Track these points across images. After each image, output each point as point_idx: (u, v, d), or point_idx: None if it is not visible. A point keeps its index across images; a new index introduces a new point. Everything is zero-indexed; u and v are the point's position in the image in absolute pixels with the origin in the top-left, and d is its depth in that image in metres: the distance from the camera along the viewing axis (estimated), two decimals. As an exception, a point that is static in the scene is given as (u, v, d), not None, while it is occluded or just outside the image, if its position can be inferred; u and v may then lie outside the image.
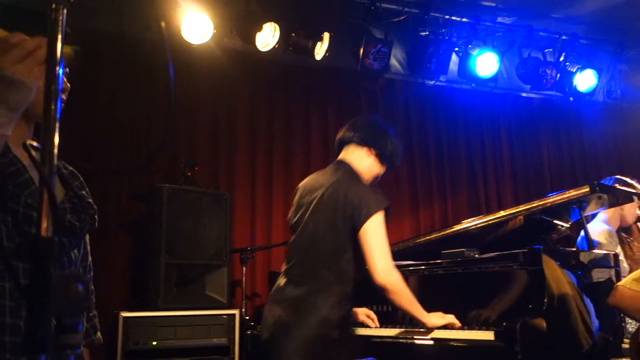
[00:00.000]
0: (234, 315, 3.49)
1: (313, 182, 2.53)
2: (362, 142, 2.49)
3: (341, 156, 2.54)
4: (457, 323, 2.48)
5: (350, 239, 2.34)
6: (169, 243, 3.42)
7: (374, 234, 2.30)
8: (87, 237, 1.66)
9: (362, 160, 2.50)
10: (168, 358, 3.30)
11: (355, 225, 2.31)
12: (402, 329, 2.67)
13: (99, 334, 1.71)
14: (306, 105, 4.63)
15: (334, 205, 2.36)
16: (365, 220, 2.28)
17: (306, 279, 2.34)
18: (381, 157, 2.50)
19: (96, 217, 1.56)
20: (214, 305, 3.53)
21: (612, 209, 3.56)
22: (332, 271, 2.32)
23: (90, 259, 1.70)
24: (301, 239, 2.44)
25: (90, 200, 1.57)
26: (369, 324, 2.75)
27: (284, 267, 2.50)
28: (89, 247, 1.68)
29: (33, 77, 1.20)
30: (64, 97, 1.49)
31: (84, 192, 1.57)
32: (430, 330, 2.52)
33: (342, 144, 2.56)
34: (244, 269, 3.76)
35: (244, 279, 3.76)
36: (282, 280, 2.43)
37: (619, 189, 3.19)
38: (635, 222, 3.70)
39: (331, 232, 2.35)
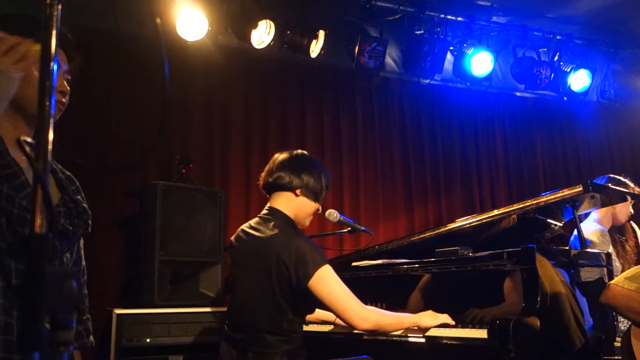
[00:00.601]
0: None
1: (245, 235, 2.47)
2: (287, 187, 2.43)
3: (271, 203, 2.49)
4: (451, 322, 2.48)
5: (290, 299, 2.29)
6: (163, 240, 3.41)
7: (331, 288, 2.25)
8: (82, 241, 1.66)
9: (292, 204, 2.44)
10: (162, 355, 3.30)
11: (295, 289, 2.25)
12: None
13: (91, 337, 1.71)
14: (301, 103, 4.63)
15: (268, 266, 2.28)
16: (305, 279, 2.22)
17: (252, 346, 2.30)
18: (308, 194, 2.45)
19: (90, 222, 1.57)
20: (207, 302, 3.53)
21: (604, 209, 3.57)
22: (275, 335, 2.28)
23: (83, 263, 1.70)
24: (239, 305, 2.40)
25: (85, 205, 1.57)
26: None
27: (226, 331, 2.44)
28: (82, 252, 1.68)
29: (17, 69, 1.27)
30: (64, 100, 1.49)
31: (79, 197, 1.58)
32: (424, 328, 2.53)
33: (269, 190, 2.51)
34: (238, 266, 3.75)
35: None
36: (226, 346, 2.39)
37: (611, 188, 3.21)
38: (628, 221, 3.72)
39: (268, 296, 2.29)
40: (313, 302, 2.34)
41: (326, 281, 2.26)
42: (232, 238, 2.57)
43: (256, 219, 2.51)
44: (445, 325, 2.48)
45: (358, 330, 2.33)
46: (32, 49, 1.28)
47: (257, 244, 2.38)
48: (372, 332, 2.40)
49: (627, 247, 3.60)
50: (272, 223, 2.40)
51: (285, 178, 2.44)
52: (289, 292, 2.28)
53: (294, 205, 2.46)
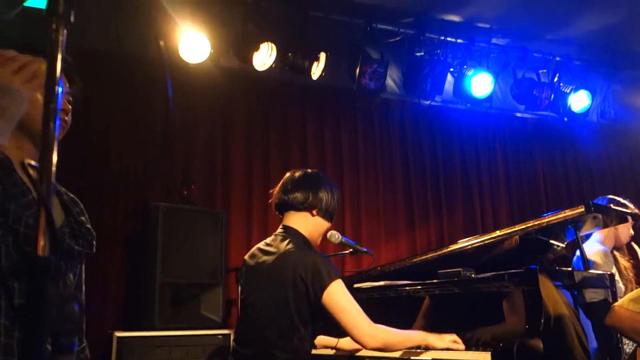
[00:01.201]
0: (229, 335, 3.46)
1: (260, 253, 2.47)
2: (301, 207, 2.43)
3: (285, 222, 2.49)
4: (460, 346, 2.43)
5: (303, 316, 2.28)
6: (164, 262, 3.40)
7: (342, 304, 2.25)
8: (83, 266, 1.65)
9: (307, 223, 2.45)
10: (162, 378, 3.27)
11: (312, 303, 2.25)
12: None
13: (87, 351, 1.69)
14: (303, 125, 4.65)
15: (284, 280, 2.28)
16: (321, 295, 2.22)
17: None
18: (324, 214, 2.47)
19: (94, 243, 1.57)
20: (209, 324, 3.51)
21: (606, 229, 3.56)
22: (284, 351, 2.25)
23: (83, 288, 1.69)
24: (251, 320, 2.38)
25: (89, 226, 1.57)
26: (360, 347, 2.73)
27: (234, 348, 2.43)
28: (83, 276, 1.67)
29: (26, 89, 1.27)
30: (66, 118, 1.50)
31: (83, 219, 1.58)
32: (427, 351, 2.50)
33: (281, 208, 2.50)
34: (240, 288, 3.73)
35: (239, 298, 3.73)
36: None
37: (613, 209, 3.20)
38: (629, 242, 3.70)
39: (281, 310, 2.28)
40: (325, 317, 2.32)
41: (338, 295, 2.26)
42: (246, 256, 2.55)
43: (271, 237, 2.50)
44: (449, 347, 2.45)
45: (366, 348, 2.31)
46: (43, 68, 1.29)
47: (273, 260, 2.37)
48: (380, 350, 2.37)
49: (624, 266, 3.58)
50: (288, 240, 2.40)
51: (303, 197, 2.43)
52: (305, 306, 2.27)
53: (310, 225, 2.46)
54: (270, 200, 2.59)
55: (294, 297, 2.27)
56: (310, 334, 2.34)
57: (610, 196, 3.70)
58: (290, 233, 2.43)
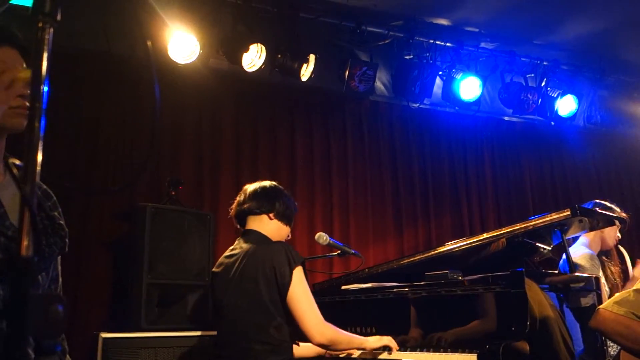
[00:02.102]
0: (215, 336, 3.44)
1: (226, 259, 2.56)
2: (259, 211, 2.56)
3: (247, 227, 2.61)
4: (394, 345, 2.60)
5: (276, 304, 2.35)
6: (151, 263, 3.38)
7: (299, 293, 2.33)
8: (59, 258, 1.61)
9: (267, 226, 2.57)
10: (148, 380, 3.24)
11: (280, 287, 2.33)
12: (385, 352, 2.65)
13: (68, 356, 1.67)
14: (291, 126, 4.64)
15: (253, 273, 2.37)
16: (290, 279, 2.32)
17: (240, 358, 2.32)
18: (281, 217, 2.58)
19: (67, 240, 1.52)
20: (196, 326, 3.49)
21: (593, 233, 3.59)
22: (263, 343, 2.31)
23: (60, 280, 1.65)
24: (226, 320, 2.44)
25: (62, 222, 1.52)
26: (353, 351, 2.74)
27: (215, 356, 2.48)
28: (59, 268, 1.61)
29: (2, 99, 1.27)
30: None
31: (56, 213, 1.52)
32: (413, 352, 2.53)
33: (242, 217, 2.62)
34: (227, 289, 3.72)
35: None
36: None
37: (599, 212, 3.23)
38: (616, 246, 3.74)
39: (255, 302, 2.35)
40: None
41: (298, 283, 2.33)
42: (214, 268, 2.64)
43: (234, 244, 2.61)
44: (389, 349, 2.60)
45: (313, 341, 2.37)
46: (20, 76, 1.28)
47: (239, 259, 2.44)
48: (324, 347, 2.46)
49: (612, 272, 3.61)
50: (251, 240, 2.51)
51: (257, 204, 2.57)
52: (276, 292, 2.33)
53: (269, 228, 2.57)
54: (229, 216, 2.72)
55: (265, 285, 2.33)
56: (285, 321, 2.38)
57: (597, 200, 3.74)
58: (253, 234, 2.55)
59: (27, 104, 1.40)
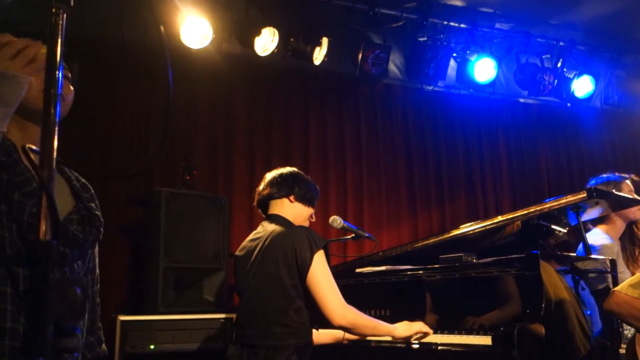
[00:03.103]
0: (231, 319, 3.48)
1: (250, 242, 2.59)
2: (281, 195, 2.59)
3: (270, 212, 2.64)
4: (428, 330, 2.54)
5: (296, 287, 2.36)
6: (167, 247, 3.42)
7: (320, 276, 2.34)
8: (97, 250, 1.65)
9: (289, 209, 2.60)
10: (165, 362, 3.30)
11: (301, 270, 2.34)
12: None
13: (103, 345, 1.71)
14: (305, 110, 4.64)
15: (275, 256, 2.39)
16: (310, 262, 2.32)
17: (260, 340, 2.33)
18: (302, 199, 2.60)
19: (102, 229, 1.57)
20: (211, 309, 3.53)
21: (609, 219, 3.48)
22: (283, 325, 2.32)
23: (97, 271, 1.70)
24: (247, 301, 2.46)
25: (97, 212, 1.58)
26: None
27: (234, 332, 2.51)
28: (97, 260, 1.68)
29: (25, 73, 1.26)
30: (65, 102, 1.49)
31: (92, 205, 1.58)
32: (426, 334, 2.54)
33: (264, 203, 2.65)
34: (242, 273, 3.75)
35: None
36: (235, 347, 2.43)
37: (615, 194, 3.19)
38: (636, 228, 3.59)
39: (275, 285, 2.36)
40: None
41: (318, 265, 2.34)
42: (237, 251, 2.66)
43: (258, 228, 2.64)
44: (424, 335, 2.55)
45: (334, 324, 2.37)
46: (42, 52, 1.28)
47: (262, 242, 2.47)
48: (346, 330, 2.46)
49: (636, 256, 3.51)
50: (274, 223, 2.54)
51: (278, 187, 2.61)
52: (296, 275, 2.35)
53: (291, 210, 2.60)
54: (253, 204, 2.75)
55: (285, 268, 2.35)
56: (305, 305, 2.40)
57: (607, 175, 3.62)
58: (275, 218, 2.58)
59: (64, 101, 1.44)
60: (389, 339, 2.63)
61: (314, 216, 2.69)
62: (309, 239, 2.36)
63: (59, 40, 0.91)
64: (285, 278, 2.35)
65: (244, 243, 2.64)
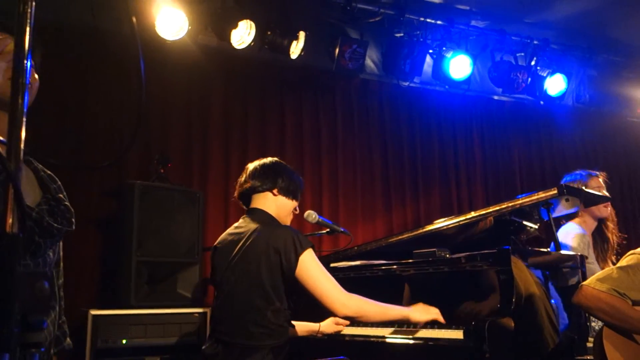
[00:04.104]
0: (205, 313, 3.47)
1: (230, 236, 2.51)
2: (263, 188, 2.52)
3: (252, 205, 2.56)
4: (441, 319, 2.49)
5: (277, 289, 2.31)
6: (140, 240, 3.38)
7: (314, 272, 2.29)
8: (62, 244, 1.64)
9: (272, 203, 2.53)
10: (138, 356, 3.26)
11: (286, 272, 2.29)
12: (374, 328, 2.69)
13: (68, 339, 1.69)
14: (281, 104, 4.62)
15: (256, 255, 2.32)
16: (296, 264, 2.27)
17: (236, 337, 2.29)
18: (285, 192, 2.54)
19: (73, 220, 1.55)
20: (185, 303, 3.51)
21: (580, 216, 3.59)
22: (260, 326, 2.28)
23: (62, 264, 1.68)
24: (225, 296, 2.40)
25: (67, 203, 1.56)
26: (341, 328, 2.76)
27: (211, 329, 2.47)
28: (62, 253, 1.66)
29: None
30: (34, 90, 1.47)
31: (61, 195, 1.56)
32: (400, 328, 2.56)
33: (246, 196, 2.58)
34: (216, 267, 3.73)
35: (213, 282, 3.73)
36: (211, 342, 2.39)
37: (585, 191, 3.26)
38: (606, 223, 3.68)
39: (255, 285, 2.30)
40: (299, 288, 2.35)
41: (310, 264, 2.30)
42: (216, 243, 2.59)
43: (240, 221, 2.56)
44: (412, 326, 2.52)
45: (339, 315, 2.34)
46: (10, 45, 1.26)
47: (244, 238, 2.40)
48: (353, 319, 2.42)
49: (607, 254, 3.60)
50: (257, 219, 2.47)
51: (261, 180, 2.52)
52: (279, 278, 2.30)
53: (274, 204, 2.53)
54: (233, 198, 2.67)
55: (267, 270, 2.30)
56: (285, 307, 2.37)
57: (578, 172, 3.71)
58: (258, 213, 2.51)
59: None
60: (363, 332, 2.65)
61: (297, 209, 2.62)
62: (294, 240, 2.30)
63: (28, 29, 0.88)
64: (265, 279, 2.29)
65: (223, 235, 2.57)
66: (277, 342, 2.30)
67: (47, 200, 1.49)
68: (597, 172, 3.67)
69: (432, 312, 2.50)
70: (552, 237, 2.98)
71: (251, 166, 2.60)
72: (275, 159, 2.65)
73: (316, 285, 2.29)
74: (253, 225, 2.42)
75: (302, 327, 2.71)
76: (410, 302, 2.75)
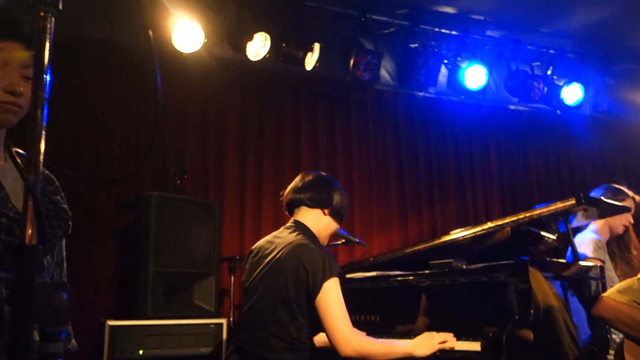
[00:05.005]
0: (221, 324, 3.48)
1: (267, 243, 2.49)
2: (314, 204, 2.49)
3: (295, 217, 2.53)
4: (452, 341, 2.43)
5: (301, 306, 2.29)
6: (157, 251, 3.40)
7: (331, 301, 2.25)
8: (64, 243, 1.61)
9: (318, 222, 2.50)
10: (154, 368, 3.28)
11: (310, 292, 2.26)
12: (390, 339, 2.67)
13: (73, 341, 1.68)
14: (296, 115, 4.64)
15: (287, 269, 2.31)
16: (320, 287, 2.24)
17: (256, 348, 2.28)
18: (335, 214, 2.52)
19: (70, 223, 1.53)
20: (201, 314, 3.52)
21: (602, 220, 3.58)
22: (281, 339, 2.26)
23: (65, 265, 1.66)
24: (251, 305, 2.39)
25: (64, 205, 1.53)
26: None
27: (233, 334, 2.46)
28: (64, 253, 1.62)
29: None
30: (19, 101, 1.36)
31: (58, 197, 1.53)
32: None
33: (292, 206, 2.55)
34: (232, 277, 3.74)
35: (232, 288, 3.75)
36: (232, 349, 2.38)
37: (604, 201, 3.22)
38: (628, 231, 3.66)
39: (281, 298, 2.29)
40: (313, 312, 2.32)
41: (331, 293, 2.26)
42: (254, 246, 2.58)
43: (280, 229, 2.55)
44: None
45: (340, 352, 2.28)
46: (15, 55, 1.27)
47: (279, 249, 2.39)
48: (353, 358, 2.34)
49: (633, 257, 3.56)
50: (297, 233, 2.45)
51: (316, 195, 2.49)
52: (304, 295, 2.28)
53: (320, 223, 2.51)
54: (281, 199, 2.63)
55: (294, 286, 2.28)
56: (308, 324, 2.35)
57: (609, 185, 3.69)
58: (300, 227, 2.48)
59: (17, 100, 1.35)
60: None
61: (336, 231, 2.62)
62: (324, 264, 2.26)
63: (47, 44, 0.90)
64: (291, 294, 2.28)
65: (261, 242, 2.55)
66: (295, 357, 2.28)
67: (42, 203, 1.46)
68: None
69: (436, 343, 2.43)
70: (570, 247, 2.94)
71: (308, 177, 2.56)
72: (329, 175, 2.63)
73: (329, 316, 2.25)
74: (290, 238, 2.40)
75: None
76: (426, 314, 2.73)
